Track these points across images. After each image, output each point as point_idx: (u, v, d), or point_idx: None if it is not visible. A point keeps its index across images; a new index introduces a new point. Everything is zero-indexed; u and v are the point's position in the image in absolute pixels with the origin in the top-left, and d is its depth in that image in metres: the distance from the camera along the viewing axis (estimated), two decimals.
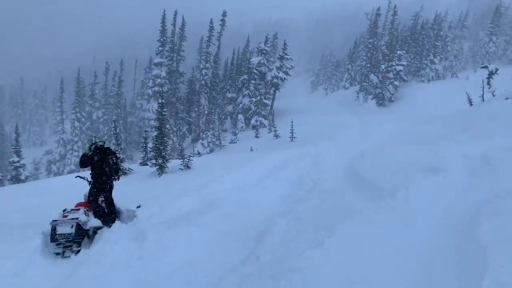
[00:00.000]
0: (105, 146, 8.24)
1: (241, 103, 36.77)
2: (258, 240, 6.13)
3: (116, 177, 8.15)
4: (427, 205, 6.81)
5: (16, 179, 23.88)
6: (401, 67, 34.71)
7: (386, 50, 36.89)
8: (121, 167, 8.64)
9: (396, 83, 34.45)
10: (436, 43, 41.88)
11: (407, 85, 37.86)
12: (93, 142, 8.32)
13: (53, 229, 6.70)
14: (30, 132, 64.63)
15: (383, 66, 35.19)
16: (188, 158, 15.27)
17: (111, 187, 8.07)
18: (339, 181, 10.00)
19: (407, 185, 7.82)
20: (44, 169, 42.54)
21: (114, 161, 8.01)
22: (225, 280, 4.80)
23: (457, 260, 4.52)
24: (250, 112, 35.35)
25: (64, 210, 7.28)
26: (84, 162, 7.94)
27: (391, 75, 34.54)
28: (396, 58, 34.93)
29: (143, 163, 18.02)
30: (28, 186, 16.96)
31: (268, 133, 29.44)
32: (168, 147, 18.17)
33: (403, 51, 37.43)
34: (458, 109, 20.01)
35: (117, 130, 19.79)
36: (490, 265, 3.82)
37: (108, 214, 7.95)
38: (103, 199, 7.99)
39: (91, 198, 7.85)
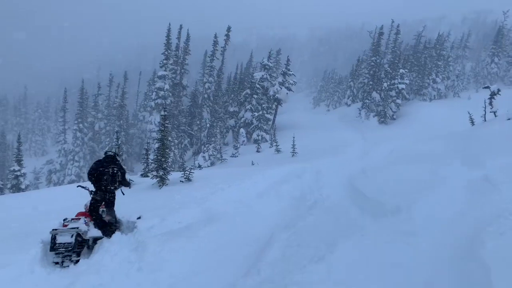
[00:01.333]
0: (114, 155, 8.19)
1: (243, 117, 36.89)
2: (258, 254, 6.08)
3: (116, 187, 8.06)
4: (429, 224, 6.77)
5: (16, 188, 23.85)
6: (403, 86, 34.87)
7: (389, 68, 37.12)
8: (127, 180, 8.56)
9: (398, 101, 34.58)
10: (439, 63, 42.16)
11: (409, 103, 38.00)
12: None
13: (53, 238, 6.67)
14: (32, 142, 64.69)
15: (385, 84, 35.36)
16: (189, 170, 15.26)
17: (113, 197, 8.02)
18: (340, 198, 9.97)
19: (410, 203, 7.79)
20: (44, 179, 42.48)
21: (115, 172, 7.96)
22: None
23: (459, 279, 4.49)
24: (252, 126, 35.44)
25: (64, 219, 7.27)
26: (91, 171, 7.84)
27: (393, 93, 34.69)
28: (399, 76, 35.13)
29: (144, 175, 18.00)
30: (28, 195, 16.94)
31: (270, 147, 29.45)
32: (170, 159, 18.18)
33: (406, 70, 37.67)
34: (459, 129, 20.01)
35: (119, 141, 19.82)
36: (494, 285, 3.78)
37: (109, 224, 7.90)
38: (104, 209, 7.96)
39: (92, 208, 7.80)
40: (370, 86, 38.61)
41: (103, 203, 7.90)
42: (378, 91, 36.27)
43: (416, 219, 7.04)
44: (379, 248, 5.55)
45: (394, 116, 34.37)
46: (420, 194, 8.33)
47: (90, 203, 7.91)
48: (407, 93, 38.83)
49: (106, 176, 7.80)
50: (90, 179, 7.83)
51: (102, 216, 7.93)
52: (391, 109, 34.42)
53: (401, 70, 35.70)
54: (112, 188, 7.83)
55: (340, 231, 6.20)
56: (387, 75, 36.33)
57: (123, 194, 8.31)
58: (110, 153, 8.23)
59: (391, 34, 48.27)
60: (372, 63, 41.59)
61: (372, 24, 60.72)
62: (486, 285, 3.86)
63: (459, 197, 8.11)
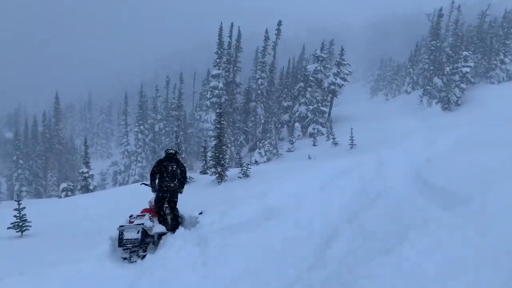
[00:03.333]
0: (174, 153, 8.40)
1: (297, 111, 36.53)
2: (323, 248, 5.87)
3: (181, 188, 8.26)
4: (506, 214, 6.19)
5: (85, 189, 25.36)
6: (467, 69, 32.73)
7: (451, 52, 34.99)
8: (187, 178, 8.76)
9: (463, 85, 32.52)
10: (507, 42, 39.07)
11: (475, 87, 35.57)
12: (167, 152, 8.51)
13: (120, 234, 6.89)
14: (98, 145, 68.61)
15: (447, 68, 33.40)
16: (246, 166, 15.33)
17: (177, 194, 8.19)
18: (405, 188, 9.48)
19: (483, 192, 7.18)
20: (110, 180, 44.91)
21: (175, 169, 8.13)
22: None
23: None
24: (307, 120, 34.98)
25: (130, 216, 7.49)
26: (153, 168, 8.10)
27: (456, 77, 32.68)
28: (462, 59, 33.02)
29: (203, 172, 18.36)
30: (96, 195, 17.92)
31: (326, 141, 28.90)
32: (227, 156, 18.40)
33: (470, 52, 35.30)
34: None
35: (178, 140, 20.36)
36: None
37: (172, 220, 8.08)
38: (167, 205, 8.14)
39: (158, 205, 8.02)
40: (431, 72, 36.65)
41: (167, 200, 8.10)
42: (440, 76, 34.31)
43: (492, 209, 6.47)
44: (452, 240, 5.12)
45: (459, 102, 32.37)
46: (495, 183, 7.67)
47: (155, 201, 8.15)
48: (472, 77, 36.40)
49: (166, 174, 8.00)
50: (152, 176, 8.08)
51: (166, 213, 8.13)
52: (455, 94, 32.45)
53: (464, 53, 33.54)
54: (171, 185, 7.99)
55: (408, 222, 5.82)
56: (449, 59, 34.28)
57: (181, 193, 8.43)
58: (171, 151, 8.43)
59: (451, 16, 45.53)
60: (432, 47, 39.50)
61: (430, 6, 57.55)
62: None
63: None
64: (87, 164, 26.10)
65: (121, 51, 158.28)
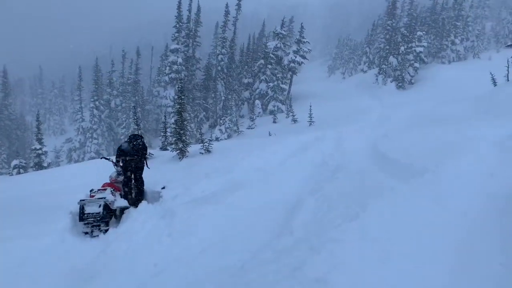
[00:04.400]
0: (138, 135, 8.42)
1: (257, 88, 36.54)
2: (288, 217, 6.04)
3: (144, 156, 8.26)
4: (459, 184, 6.60)
5: (39, 166, 24.31)
6: (421, 49, 33.89)
7: (406, 32, 36.01)
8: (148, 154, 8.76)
9: (416, 65, 33.69)
10: (457, 23, 40.70)
11: (427, 67, 36.98)
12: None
13: (81, 209, 6.76)
14: (50, 121, 65.66)
15: (402, 48, 34.41)
16: (208, 142, 15.26)
17: (142, 168, 8.13)
18: (364, 162, 9.83)
19: (437, 163, 7.60)
20: (64, 157, 43.33)
21: (141, 144, 8.12)
22: (260, 254, 4.72)
23: (500, 234, 4.37)
24: (267, 97, 35.11)
25: (91, 190, 7.34)
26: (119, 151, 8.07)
27: (411, 56, 33.78)
28: (416, 39, 34.11)
29: (163, 148, 18.11)
30: (52, 172, 17.24)
31: (286, 118, 29.22)
32: (188, 132, 18.19)
33: (423, 32, 36.48)
34: (481, 90, 19.43)
35: (137, 115, 19.89)
36: None
37: (137, 194, 8.02)
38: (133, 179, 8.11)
39: (124, 179, 7.93)
40: (387, 51, 37.63)
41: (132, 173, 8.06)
42: (395, 56, 35.33)
43: (446, 180, 6.88)
44: (410, 208, 5.44)
45: (413, 81, 33.59)
46: (448, 155, 8.12)
47: (123, 181, 8.04)
48: (425, 57, 37.75)
49: (132, 152, 7.95)
50: (118, 156, 8.02)
51: (131, 187, 8.07)
52: (409, 73, 33.61)
53: (418, 33, 34.63)
54: (134, 157, 7.95)
55: (369, 192, 6.09)
56: (404, 39, 35.29)
57: (148, 167, 8.38)
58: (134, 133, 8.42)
59: None
60: (388, 27, 40.41)
61: None
62: None
63: (488, 156, 7.88)
64: (39, 140, 24.95)
65: (74, 24, 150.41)
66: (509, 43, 43.76)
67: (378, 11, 62.82)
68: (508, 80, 18.97)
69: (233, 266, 4.71)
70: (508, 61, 19.64)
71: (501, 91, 16.99)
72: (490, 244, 4.29)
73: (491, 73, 20.54)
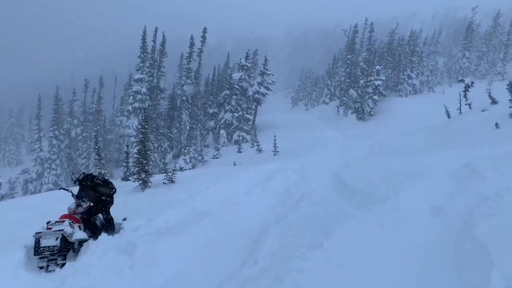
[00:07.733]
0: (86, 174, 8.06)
1: (223, 118, 36.72)
2: (253, 247, 6.01)
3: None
4: (418, 210, 6.86)
5: None
6: (379, 82, 35.41)
7: (365, 66, 37.64)
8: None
9: (375, 97, 35.09)
10: (413, 58, 43.00)
11: (386, 99, 38.63)
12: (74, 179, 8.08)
13: (37, 242, 6.41)
14: (6, 151, 62.85)
15: (362, 81, 35.84)
16: (171, 172, 15.05)
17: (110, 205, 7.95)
18: (327, 191, 10.01)
19: (396, 192, 7.89)
20: (20, 188, 41.24)
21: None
22: (225, 285, 4.65)
23: (455, 259, 4.54)
24: (232, 127, 35.31)
25: (48, 222, 7.00)
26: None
27: (370, 89, 35.19)
28: (375, 73, 35.66)
29: (125, 179, 17.67)
30: (5, 204, 16.37)
31: (251, 147, 29.39)
32: (151, 162, 17.90)
33: (381, 66, 38.28)
34: (437, 122, 20.46)
35: (98, 145, 19.42)
36: (495, 261, 3.82)
37: (105, 225, 7.77)
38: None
39: (85, 216, 7.62)
40: (347, 84, 39.05)
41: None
42: (355, 88, 36.70)
43: (405, 207, 7.13)
44: (372, 235, 5.58)
45: (372, 112, 34.87)
46: (406, 184, 8.46)
47: (88, 211, 7.72)
48: (384, 90, 39.45)
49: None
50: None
51: (95, 223, 7.81)
52: (368, 105, 34.91)
53: (376, 67, 36.24)
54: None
55: (332, 220, 6.19)
56: (363, 72, 36.82)
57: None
58: (79, 176, 8.04)
59: (365, 32, 48.99)
60: (348, 61, 42.09)
61: (347, 22, 61.57)
62: (486, 261, 3.90)
63: (445, 184, 8.27)
64: None
65: (34, 53, 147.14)
66: (460, 78, 46.52)
67: (339, 45, 65.55)
68: (460, 113, 20.11)
69: None
70: (460, 95, 20.90)
71: (455, 122, 18.02)
72: (448, 268, 4.45)
73: (445, 106, 21.71)
